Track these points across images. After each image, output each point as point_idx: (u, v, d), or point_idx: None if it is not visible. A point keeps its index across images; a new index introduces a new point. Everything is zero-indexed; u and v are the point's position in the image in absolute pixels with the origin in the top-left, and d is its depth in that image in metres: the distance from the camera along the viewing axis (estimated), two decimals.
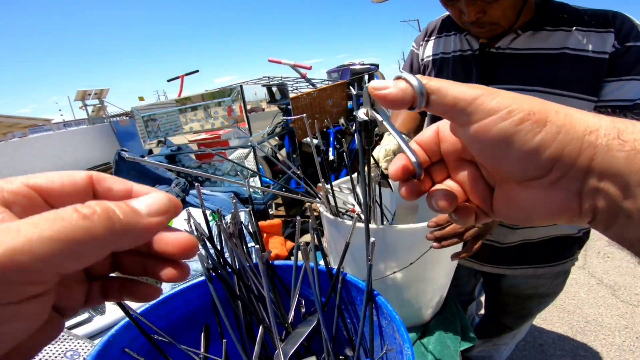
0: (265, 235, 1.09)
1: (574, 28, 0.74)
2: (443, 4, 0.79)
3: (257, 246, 0.39)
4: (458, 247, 0.74)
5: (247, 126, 1.12)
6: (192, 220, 0.49)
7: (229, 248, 0.48)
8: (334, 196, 0.71)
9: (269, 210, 1.64)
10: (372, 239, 0.39)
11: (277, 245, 1.07)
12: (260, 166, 2.16)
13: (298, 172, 0.77)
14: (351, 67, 2.47)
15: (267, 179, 1.72)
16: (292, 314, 0.48)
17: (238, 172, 1.25)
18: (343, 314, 0.50)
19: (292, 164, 0.82)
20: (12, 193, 0.17)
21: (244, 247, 0.48)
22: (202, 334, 0.51)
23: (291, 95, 1.62)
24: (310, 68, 2.30)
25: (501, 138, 0.21)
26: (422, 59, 0.98)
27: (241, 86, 1.12)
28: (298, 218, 0.46)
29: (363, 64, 2.85)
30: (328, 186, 0.70)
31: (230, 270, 0.48)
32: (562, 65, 0.74)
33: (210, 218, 0.90)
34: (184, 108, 1.22)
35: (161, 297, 0.50)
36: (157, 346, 0.47)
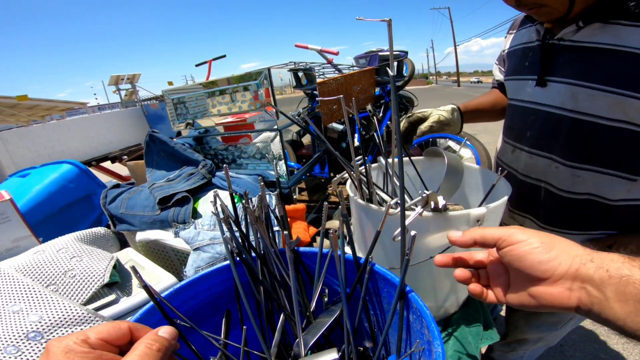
0: (289, 219, 1.09)
1: None
2: None
3: (285, 232, 0.38)
4: None
5: (273, 110, 1.10)
6: (218, 202, 0.49)
7: (254, 231, 0.47)
8: (367, 179, 0.68)
9: (293, 194, 1.64)
10: (412, 232, 0.36)
11: (300, 231, 1.07)
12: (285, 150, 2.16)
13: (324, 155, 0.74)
14: (380, 53, 2.39)
15: (292, 163, 1.72)
16: (314, 302, 0.47)
17: (265, 155, 1.24)
18: (367, 306, 0.49)
19: (317, 148, 0.80)
20: (94, 344, 0.30)
21: (270, 231, 0.47)
22: (223, 320, 0.51)
23: (317, 80, 1.60)
24: (337, 54, 2.25)
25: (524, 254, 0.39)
26: (504, 51, 1.00)
27: (269, 69, 1.10)
28: (325, 203, 0.45)
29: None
30: (361, 168, 0.68)
31: (254, 254, 0.48)
32: (622, 60, 0.65)
33: (236, 200, 0.89)
34: (212, 91, 1.23)
35: (185, 281, 0.50)
36: (179, 331, 0.47)
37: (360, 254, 0.79)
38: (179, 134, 1.52)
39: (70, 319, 0.71)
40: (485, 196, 0.74)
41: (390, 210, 0.63)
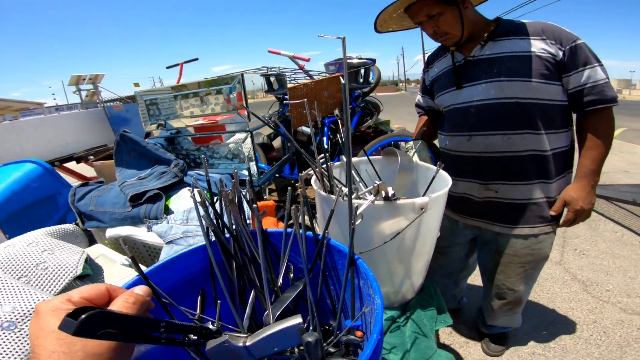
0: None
1: (520, 37, 1.09)
2: (422, 29, 1.19)
3: (255, 205, 0.45)
4: None
5: (245, 113, 1.17)
6: (195, 190, 0.55)
7: (227, 213, 0.54)
8: (329, 174, 0.77)
9: (263, 195, 1.70)
10: (355, 204, 0.45)
11: (269, 226, 1.14)
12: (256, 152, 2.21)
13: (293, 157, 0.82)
14: (349, 61, 2.52)
15: (263, 165, 1.77)
16: (281, 278, 0.55)
17: (236, 155, 1.30)
18: (327, 279, 0.57)
19: (287, 151, 0.88)
20: (77, 302, 0.34)
21: (242, 214, 0.54)
22: (199, 297, 0.57)
23: (288, 85, 1.67)
24: (308, 60, 2.35)
25: None
26: (429, 80, 1.38)
27: (242, 74, 1.17)
28: (290, 188, 0.52)
29: (360, 58, 2.91)
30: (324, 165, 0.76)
31: (228, 234, 0.54)
32: (513, 61, 1.09)
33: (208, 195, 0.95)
34: (185, 94, 1.27)
35: (164, 260, 0.55)
36: (163, 304, 0.53)
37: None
38: (148, 134, 1.54)
39: None
40: (427, 187, 0.86)
41: (344, 197, 0.72)
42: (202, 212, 0.52)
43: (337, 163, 1.03)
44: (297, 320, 0.47)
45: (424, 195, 0.86)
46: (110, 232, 1.09)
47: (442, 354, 0.91)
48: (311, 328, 0.51)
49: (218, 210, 0.55)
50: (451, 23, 1.11)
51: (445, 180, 0.87)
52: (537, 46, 1.07)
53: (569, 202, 1.16)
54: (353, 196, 0.63)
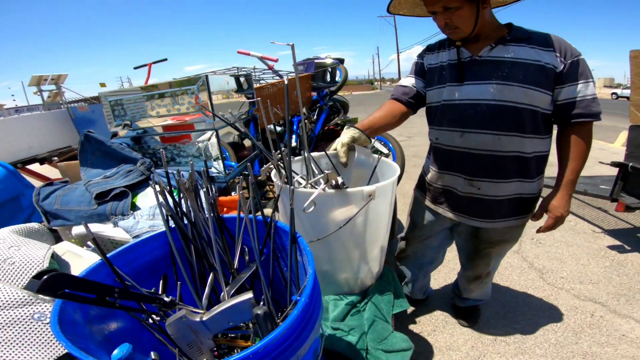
0: (225, 209, 1.20)
1: (530, 46, 1.12)
2: (433, 19, 1.19)
3: (210, 195, 0.50)
4: None
5: (210, 113, 1.21)
6: (156, 178, 0.60)
7: (185, 200, 0.59)
8: (285, 166, 0.83)
9: (232, 192, 1.74)
10: (292, 187, 0.51)
11: None
12: (226, 151, 2.24)
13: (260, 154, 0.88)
14: (316, 60, 2.60)
15: (233, 164, 1.81)
16: (236, 260, 0.60)
17: (202, 153, 1.34)
18: (277, 257, 0.63)
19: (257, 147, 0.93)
20: None
21: (198, 201, 0.60)
22: (161, 281, 0.62)
23: (255, 85, 1.72)
24: (276, 60, 2.40)
25: None
26: (427, 66, 1.35)
27: (207, 76, 1.21)
28: (245, 172, 0.58)
29: (330, 57, 2.99)
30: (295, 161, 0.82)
31: (186, 220, 0.59)
32: (519, 67, 1.12)
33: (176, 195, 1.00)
34: (151, 95, 1.30)
35: (126, 245, 0.60)
36: (124, 283, 0.57)
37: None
38: (114, 135, 1.55)
39: (11, 301, 0.77)
40: (370, 175, 0.94)
41: (297, 186, 0.78)
42: (162, 201, 0.57)
43: (297, 158, 1.09)
44: (248, 295, 0.53)
45: (368, 183, 0.94)
46: (77, 230, 1.11)
47: (397, 335, 0.98)
48: (261, 303, 0.57)
49: (177, 199, 0.60)
50: (465, 19, 1.11)
51: (394, 170, 0.96)
52: (545, 57, 1.11)
53: (550, 210, 1.24)
54: (303, 185, 0.69)
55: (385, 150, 2.09)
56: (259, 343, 0.36)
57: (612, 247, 2.58)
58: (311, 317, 0.44)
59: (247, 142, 2.66)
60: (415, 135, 7.85)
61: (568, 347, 1.68)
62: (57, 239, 1.19)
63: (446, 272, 2.36)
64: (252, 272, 0.61)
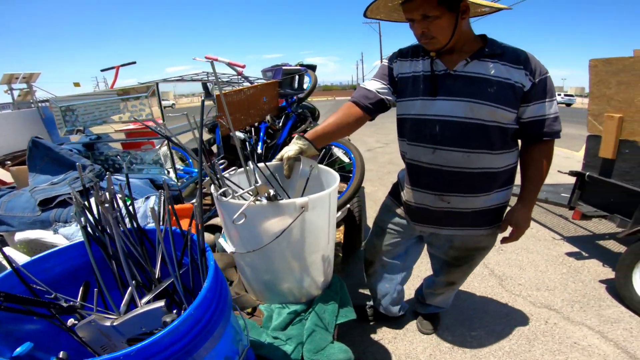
0: (173, 219, 1.20)
1: (502, 62, 1.12)
2: (410, 26, 1.16)
3: (126, 211, 0.51)
4: None
5: (160, 121, 1.22)
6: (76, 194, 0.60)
7: (101, 213, 0.60)
8: (217, 178, 0.84)
9: (191, 199, 1.74)
10: (198, 202, 0.52)
11: (186, 227, 1.19)
12: (189, 158, 2.22)
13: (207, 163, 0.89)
14: (284, 67, 2.63)
15: (183, 170, 1.80)
16: (157, 269, 0.61)
17: (157, 161, 1.34)
18: (197, 266, 0.64)
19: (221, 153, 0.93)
20: None
21: (117, 212, 0.60)
22: (81, 288, 0.62)
23: (216, 92, 1.73)
24: (244, 67, 2.42)
25: None
26: (398, 74, 1.30)
27: (157, 84, 1.21)
28: (167, 183, 0.59)
29: (302, 64, 3.02)
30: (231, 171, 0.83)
31: (107, 233, 0.60)
32: (492, 85, 1.13)
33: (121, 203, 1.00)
34: (103, 101, 1.29)
35: (42, 253, 0.60)
36: (33, 292, 0.57)
37: (224, 240, 0.95)
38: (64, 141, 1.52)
39: None
40: (304, 187, 0.96)
41: (227, 198, 0.80)
42: (78, 211, 0.58)
43: (240, 170, 1.09)
44: (159, 304, 0.54)
45: (302, 194, 0.96)
46: (19, 236, 1.09)
47: (336, 346, 0.98)
48: (174, 311, 0.58)
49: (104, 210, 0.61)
50: (443, 29, 1.10)
51: (334, 180, 0.98)
52: (515, 75, 1.11)
53: (515, 225, 1.29)
54: (229, 197, 0.71)
55: (346, 160, 2.12)
56: (128, 349, 0.37)
57: (570, 254, 2.69)
58: (205, 329, 0.46)
59: (215, 148, 2.66)
60: (392, 142, 7.97)
61: (521, 355, 1.73)
62: (4, 245, 1.17)
63: (410, 278, 2.40)
64: (173, 282, 0.62)
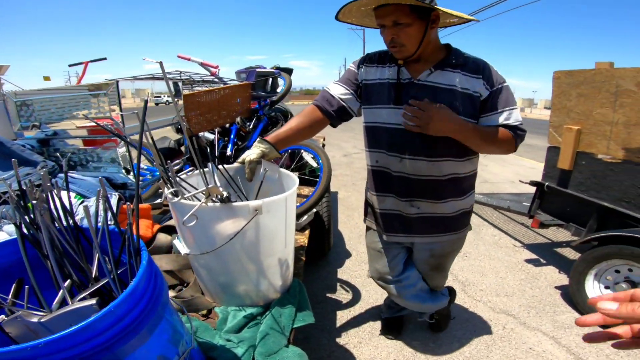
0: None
1: (463, 73, 1.16)
2: (380, 32, 1.16)
3: (62, 208, 0.50)
4: None
5: (119, 119, 1.19)
6: (10, 187, 0.59)
7: (35, 210, 0.58)
8: (168, 178, 0.84)
9: (158, 199, 1.70)
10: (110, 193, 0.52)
11: (143, 227, 1.16)
12: (152, 155, 2.18)
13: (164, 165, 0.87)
14: (258, 69, 2.64)
15: (147, 169, 1.76)
16: (94, 268, 0.60)
17: (114, 159, 1.31)
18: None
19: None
20: None
21: (52, 211, 0.59)
22: (14, 285, 0.60)
23: (184, 92, 1.71)
24: (217, 67, 2.40)
25: None
26: (362, 81, 1.31)
27: (117, 82, 1.19)
28: (101, 178, 0.58)
29: (278, 68, 3.03)
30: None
31: (40, 231, 0.58)
32: (454, 96, 1.16)
33: (75, 200, 0.98)
34: (60, 97, 1.26)
35: None
36: None
37: (181, 242, 0.93)
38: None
39: None
40: (258, 190, 0.97)
41: (178, 198, 0.79)
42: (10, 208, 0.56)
43: (196, 172, 1.08)
44: (91, 302, 0.54)
45: (256, 197, 0.97)
46: None
47: (291, 349, 0.96)
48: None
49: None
50: (412, 37, 1.10)
51: (293, 183, 0.99)
52: (475, 86, 1.14)
53: (429, 110, 1.13)
54: (180, 198, 0.71)
55: (314, 164, 2.14)
56: (37, 340, 0.37)
57: (529, 261, 2.80)
58: (129, 326, 0.45)
59: (185, 148, 2.62)
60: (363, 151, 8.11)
61: None
62: None
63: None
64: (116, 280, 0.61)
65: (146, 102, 0.64)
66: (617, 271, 1.99)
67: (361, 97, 1.32)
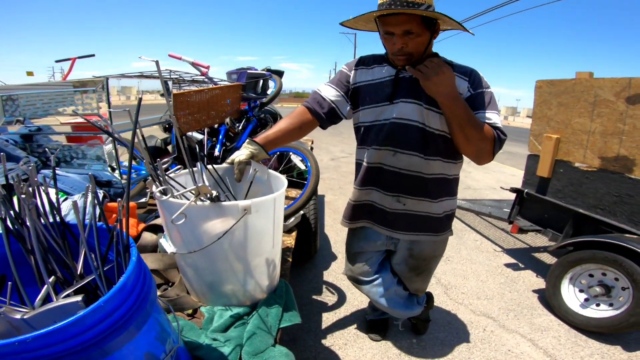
0: (115, 215, 1.17)
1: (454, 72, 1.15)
2: (382, 38, 1.18)
3: (48, 204, 0.50)
4: None
5: (107, 116, 1.18)
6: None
7: (22, 206, 0.57)
8: (157, 177, 0.84)
9: (144, 197, 1.68)
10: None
11: (132, 226, 1.15)
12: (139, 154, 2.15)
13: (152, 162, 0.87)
14: (249, 71, 2.64)
15: (142, 168, 1.74)
16: (80, 265, 0.60)
17: (102, 158, 1.29)
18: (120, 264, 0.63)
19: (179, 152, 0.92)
20: None
21: (42, 207, 0.59)
22: None
23: (174, 92, 1.69)
24: (208, 67, 2.39)
25: None
26: (355, 83, 1.32)
27: (107, 79, 1.18)
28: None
29: (269, 70, 3.04)
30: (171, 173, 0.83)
31: (26, 227, 0.58)
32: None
33: (61, 197, 0.97)
34: (47, 93, 1.23)
35: None
36: None
37: (167, 241, 0.93)
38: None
39: None
40: (247, 190, 0.98)
41: (167, 197, 0.80)
42: None
43: (184, 171, 1.09)
44: (76, 298, 0.53)
45: (245, 197, 0.98)
46: None
47: (277, 349, 0.97)
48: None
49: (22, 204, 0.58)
50: (420, 46, 1.13)
51: (282, 185, 1.00)
52: (461, 86, 1.17)
53: (440, 65, 1.13)
54: (169, 196, 0.71)
55: (302, 167, 2.16)
56: (24, 335, 0.37)
57: (508, 265, 2.88)
58: (118, 322, 0.46)
59: (171, 148, 2.60)
60: (353, 153, 8.16)
61: None
62: None
63: None
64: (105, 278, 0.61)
65: (140, 100, 0.64)
66: (591, 275, 2.06)
67: (352, 99, 1.33)
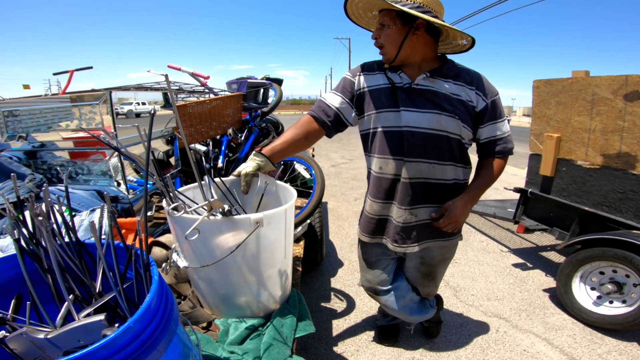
0: (124, 231, 1.15)
1: (455, 82, 1.20)
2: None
3: (64, 224, 0.49)
4: None
5: (111, 131, 1.17)
6: (7, 202, 0.57)
7: (34, 225, 0.56)
8: (168, 192, 0.82)
9: (149, 211, 1.67)
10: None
11: (132, 241, 1.14)
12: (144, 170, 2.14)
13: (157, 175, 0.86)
14: (249, 80, 2.64)
15: (136, 182, 1.72)
16: (98, 283, 0.59)
17: (107, 173, 1.28)
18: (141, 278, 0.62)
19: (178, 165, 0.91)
20: None
21: (53, 225, 0.57)
22: (13, 300, 0.58)
23: (177, 103, 1.69)
24: (208, 77, 2.39)
25: None
26: (360, 89, 1.31)
27: (110, 92, 1.17)
28: (105, 193, 0.57)
29: (268, 78, 3.05)
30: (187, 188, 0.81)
31: (42, 247, 0.56)
32: (450, 101, 1.19)
33: (65, 215, 0.95)
34: (50, 107, 1.23)
35: None
36: None
37: (179, 256, 0.92)
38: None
39: None
40: (258, 203, 0.97)
41: (180, 213, 0.79)
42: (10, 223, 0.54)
43: (193, 185, 1.08)
44: (99, 317, 0.52)
45: (257, 210, 0.97)
46: None
47: (295, 359, 0.97)
48: (116, 325, 0.56)
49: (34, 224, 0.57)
50: (390, 40, 1.15)
51: (291, 196, 0.99)
52: (469, 95, 1.19)
53: (447, 208, 1.28)
54: (182, 212, 0.70)
55: (307, 175, 2.15)
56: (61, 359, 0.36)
57: (516, 265, 2.86)
58: (146, 342, 0.44)
59: (174, 160, 2.59)
60: (357, 158, 8.17)
61: None
62: None
63: None
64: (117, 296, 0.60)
65: (152, 115, 0.63)
66: (602, 272, 2.05)
67: (357, 106, 1.32)
